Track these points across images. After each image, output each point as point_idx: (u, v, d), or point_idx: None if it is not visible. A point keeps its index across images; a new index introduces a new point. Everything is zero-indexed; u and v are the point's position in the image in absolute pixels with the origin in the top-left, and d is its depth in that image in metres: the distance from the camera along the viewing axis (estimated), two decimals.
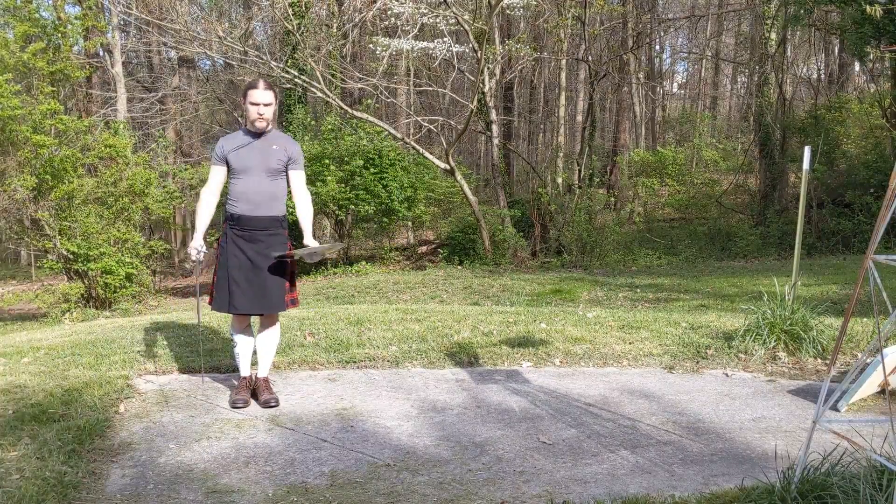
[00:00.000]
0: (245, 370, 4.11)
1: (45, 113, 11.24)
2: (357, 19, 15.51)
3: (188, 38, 14.44)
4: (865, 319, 5.68)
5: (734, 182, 20.19)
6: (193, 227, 4.16)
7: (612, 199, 18.05)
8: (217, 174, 3.96)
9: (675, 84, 30.31)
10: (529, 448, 3.47)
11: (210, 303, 4.00)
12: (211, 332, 5.63)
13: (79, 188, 11.38)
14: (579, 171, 17.60)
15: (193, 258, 3.97)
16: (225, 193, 3.96)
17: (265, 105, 3.85)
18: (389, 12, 14.57)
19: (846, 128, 18.29)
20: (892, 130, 15.97)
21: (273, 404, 3.98)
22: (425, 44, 14.74)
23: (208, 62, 23.64)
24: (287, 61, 15.13)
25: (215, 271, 3.97)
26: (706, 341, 5.22)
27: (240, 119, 22.29)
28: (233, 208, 3.91)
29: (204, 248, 3.99)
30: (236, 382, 4.19)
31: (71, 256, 11.21)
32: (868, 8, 8.59)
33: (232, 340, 4.10)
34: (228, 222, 3.93)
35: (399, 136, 15.54)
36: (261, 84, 3.87)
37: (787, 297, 5.18)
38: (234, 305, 3.91)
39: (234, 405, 3.97)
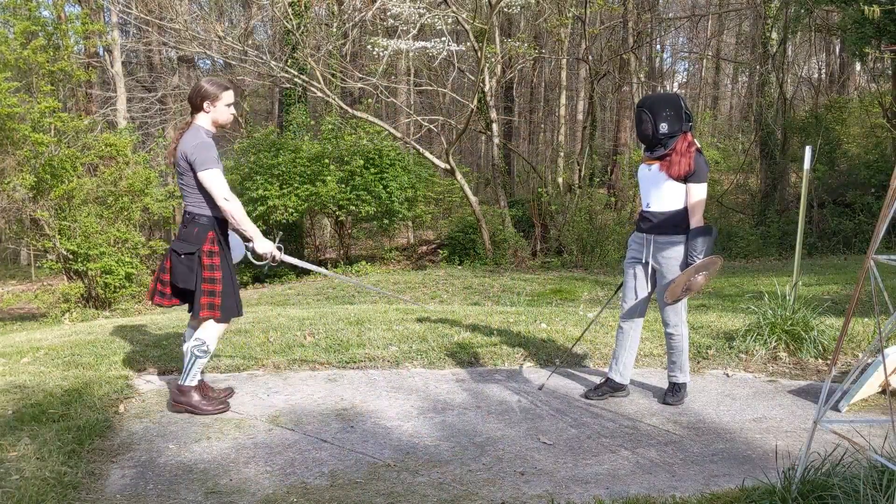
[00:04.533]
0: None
1: (45, 111, 11.22)
2: (357, 19, 15.50)
3: (188, 38, 14.42)
4: (866, 319, 5.67)
5: (735, 182, 20.16)
6: (242, 230, 3.77)
7: (613, 198, 18.02)
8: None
9: (675, 83, 30.24)
10: (530, 448, 3.46)
11: (218, 315, 3.75)
12: None
13: (78, 187, 11.35)
14: (580, 170, 17.58)
15: (278, 258, 3.83)
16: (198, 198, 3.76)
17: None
18: (389, 13, 14.55)
19: (847, 127, 18.26)
20: (892, 130, 15.96)
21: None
22: (422, 43, 14.72)
23: (208, 62, 23.63)
24: (287, 61, 15.12)
25: (219, 279, 3.74)
26: (707, 341, 5.21)
27: (240, 120, 22.30)
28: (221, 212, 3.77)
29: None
30: (196, 393, 3.90)
31: (70, 256, 11.18)
32: (867, 9, 8.58)
33: (209, 351, 3.83)
34: (217, 227, 3.77)
35: (399, 135, 15.53)
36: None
37: (787, 297, 5.17)
38: (240, 309, 3.88)
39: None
